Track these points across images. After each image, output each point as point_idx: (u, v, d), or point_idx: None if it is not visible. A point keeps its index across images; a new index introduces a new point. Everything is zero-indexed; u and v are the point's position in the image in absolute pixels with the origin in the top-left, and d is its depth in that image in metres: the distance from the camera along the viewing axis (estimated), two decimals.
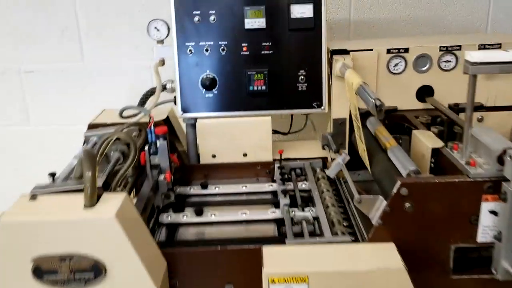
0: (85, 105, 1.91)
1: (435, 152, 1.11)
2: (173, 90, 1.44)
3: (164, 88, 1.48)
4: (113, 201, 0.94)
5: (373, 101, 0.96)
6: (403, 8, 1.75)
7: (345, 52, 1.35)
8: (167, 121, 1.47)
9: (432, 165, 1.12)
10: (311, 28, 1.34)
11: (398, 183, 0.95)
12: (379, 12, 1.76)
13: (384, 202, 0.99)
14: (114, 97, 1.90)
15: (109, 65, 1.88)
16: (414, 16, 1.76)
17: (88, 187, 0.93)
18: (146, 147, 1.23)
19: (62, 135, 1.96)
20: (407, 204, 0.96)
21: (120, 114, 1.36)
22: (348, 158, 1.21)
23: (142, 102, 1.59)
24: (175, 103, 1.43)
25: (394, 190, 0.96)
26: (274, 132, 1.52)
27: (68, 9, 1.81)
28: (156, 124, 1.26)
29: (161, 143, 1.23)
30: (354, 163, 1.25)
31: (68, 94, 1.92)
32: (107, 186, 1.06)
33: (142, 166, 1.24)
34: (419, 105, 1.40)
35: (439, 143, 1.12)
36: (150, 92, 1.57)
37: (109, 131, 1.33)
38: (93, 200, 0.93)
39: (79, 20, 1.83)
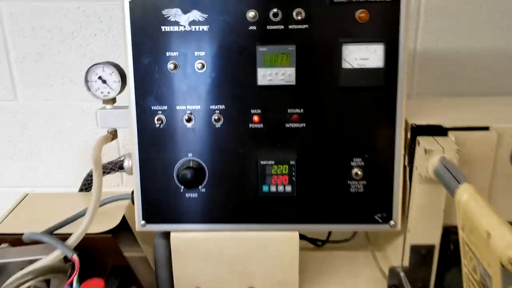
0: (19, 160, 1.34)
1: None
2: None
3: (120, 167, 0.88)
4: None
5: None
6: (500, 34, 1.13)
7: (439, 130, 0.74)
8: (121, 224, 0.86)
9: None
10: (380, 86, 0.73)
11: None
12: (461, 41, 1.14)
13: None
14: (60, 150, 1.31)
15: (54, 106, 1.27)
16: None
17: None
18: None
19: None
20: None
21: (25, 242, 0.75)
22: None
23: (87, 185, 0.98)
24: (132, 202, 0.82)
25: None
26: (302, 237, 0.91)
27: None
28: (88, 264, 0.66)
29: None
30: None
31: None
32: None
33: None
34: None
35: None
36: None
37: (11, 261, 0.76)
38: None
39: (8, 40, 1.22)
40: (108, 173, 0.94)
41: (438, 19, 1.13)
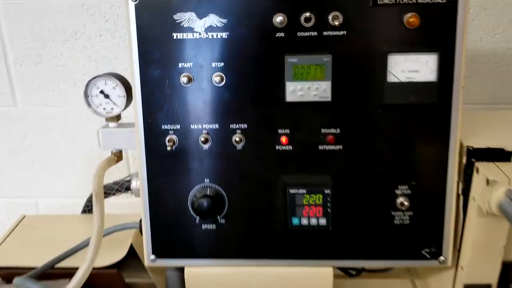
0: (20, 169, 1.24)
1: None
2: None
3: (126, 188, 0.78)
4: None
5: None
6: None
7: (501, 155, 0.62)
8: (129, 253, 0.76)
9: None
10: (431, 104, 0.62)
11: None
12: (509, 40, 1.01)
13: None
14: (63, 159, 1.22)
15: (56, 112, 1.17)
16: None
17: None
18: None
19: None
20: None
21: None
22: None
23: (90, 206, 0.88)
24: (140, 231, 0.72)
25: None
26: None
27: None
28: None
29: None
30: None
31: None
32: None
33: None
34: None
35: None
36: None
37: None
38: None
39: (5, 41, 1.12)
40: (114, 194, 0.84)
41: (484, 16, 1.00)
